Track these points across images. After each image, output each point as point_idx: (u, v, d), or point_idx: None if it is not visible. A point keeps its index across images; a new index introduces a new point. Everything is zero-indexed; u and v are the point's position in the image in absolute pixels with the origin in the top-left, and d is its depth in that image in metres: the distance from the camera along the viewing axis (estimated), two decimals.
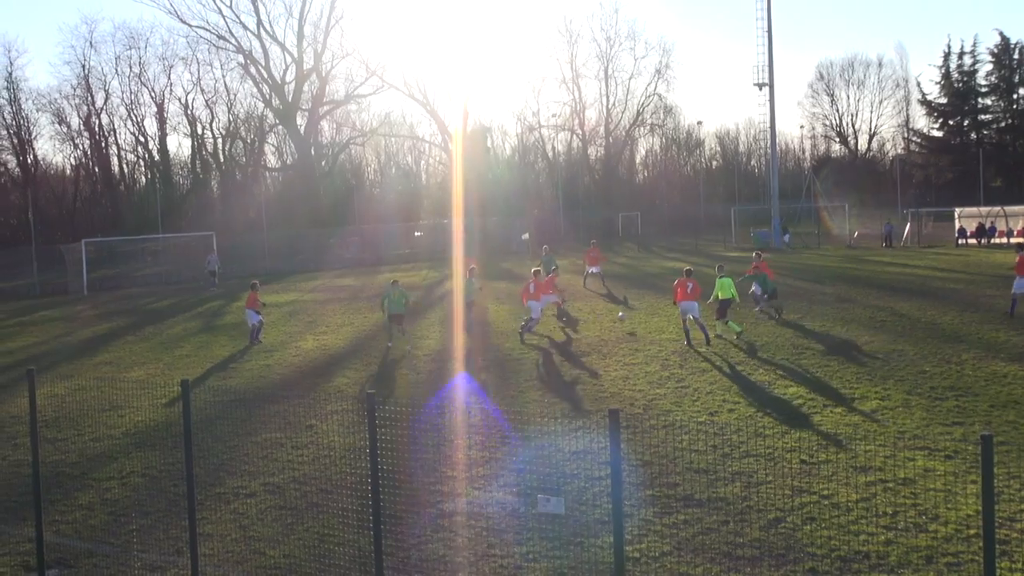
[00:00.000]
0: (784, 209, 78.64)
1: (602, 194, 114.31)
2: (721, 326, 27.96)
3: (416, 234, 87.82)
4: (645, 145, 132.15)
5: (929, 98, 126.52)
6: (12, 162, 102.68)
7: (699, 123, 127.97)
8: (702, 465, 14.92)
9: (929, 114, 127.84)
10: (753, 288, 32.58)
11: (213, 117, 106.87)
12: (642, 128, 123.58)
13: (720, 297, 28.20)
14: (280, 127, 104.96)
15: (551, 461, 15.64)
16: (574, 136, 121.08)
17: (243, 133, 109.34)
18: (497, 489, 14.38)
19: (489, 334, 31.02)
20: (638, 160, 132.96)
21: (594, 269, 43.08)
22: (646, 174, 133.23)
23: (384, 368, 25.50)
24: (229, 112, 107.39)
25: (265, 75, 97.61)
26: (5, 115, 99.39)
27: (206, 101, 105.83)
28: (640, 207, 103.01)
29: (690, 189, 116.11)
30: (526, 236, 78.40)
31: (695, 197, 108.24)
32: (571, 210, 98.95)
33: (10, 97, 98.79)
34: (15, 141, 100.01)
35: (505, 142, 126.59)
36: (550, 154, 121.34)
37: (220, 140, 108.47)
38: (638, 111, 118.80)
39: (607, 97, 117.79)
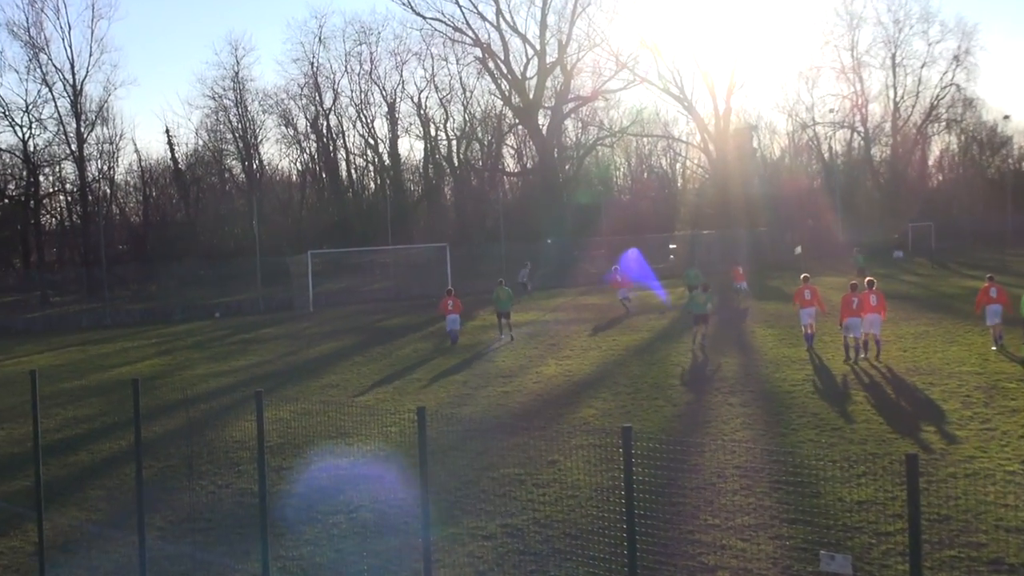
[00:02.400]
0: None
1: (888, 201, 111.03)
2: None
3: (671, 247, 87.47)
4: (940, 144, 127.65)
5: None
6: (237, 168, 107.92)
7: (1006, 118, 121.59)
8: (1015, 523, 14.18)
9: None
10: None
11: (447, 117, 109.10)
12: (936, 124, 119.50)
13: None
14: (520, 127, 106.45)
15: (830, 512, 15.20)
16: (854, 134, 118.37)
17: (479, 134, 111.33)
18: (767, 542, 14.07)
19: (755, 362, 30.53)
20: (931, 161, 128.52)
21: (741, 285, 51.57)
22: (941, 178, 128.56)
23: (636, 398, 25.44)
24: (464, 111, 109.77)
25: (504, 70, 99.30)
26: (231, 117, 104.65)
27: (440, 99, 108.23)
28: (934, 216, 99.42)
29: (995, 196, 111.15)
30: (799, 250, 76.90)
31: (1001, 204, 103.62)
32: (851, 220, 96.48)
33: (236, 98, 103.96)
34: (240, 145, 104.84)
35: (774, 142, 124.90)
36: (826, 155, 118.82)
37: (454, 142, 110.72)
38: (931, 104, 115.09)
39: (894, 89, 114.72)
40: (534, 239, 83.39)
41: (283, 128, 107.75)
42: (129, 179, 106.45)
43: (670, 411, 23.88)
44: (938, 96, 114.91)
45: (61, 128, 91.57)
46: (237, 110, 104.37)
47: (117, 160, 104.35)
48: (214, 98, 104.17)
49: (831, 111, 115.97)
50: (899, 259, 64.26)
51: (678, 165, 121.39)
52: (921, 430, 20.30)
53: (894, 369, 27.65)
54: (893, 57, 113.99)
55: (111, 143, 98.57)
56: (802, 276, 33.39)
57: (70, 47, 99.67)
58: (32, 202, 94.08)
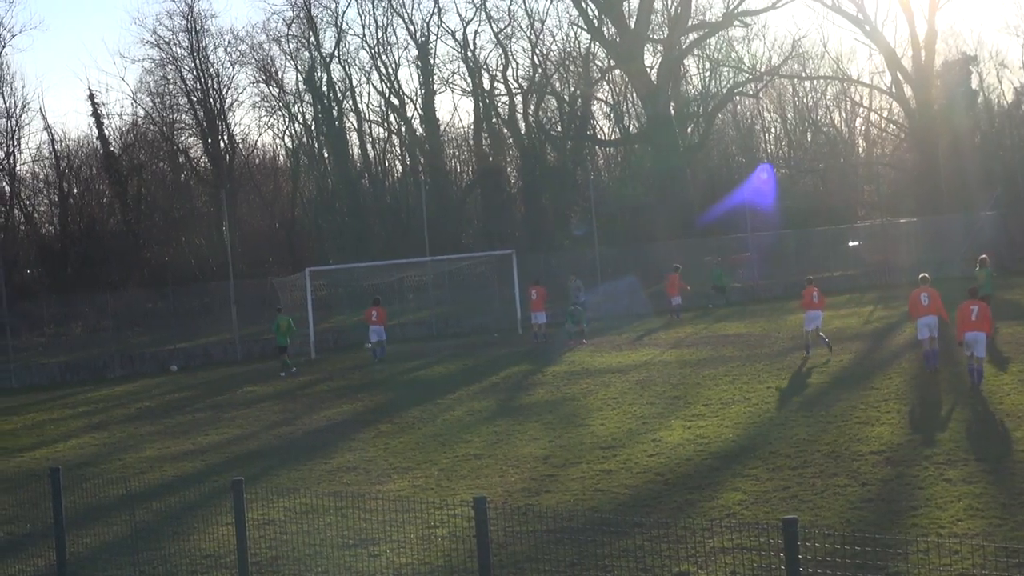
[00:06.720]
0: None
1: None
2: None
3: (851, 243, 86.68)
4: None
5: None
6: (197, 148, 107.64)
7: None
8: None
9: None
10: None
11: (508, 62, 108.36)
12: None
13: None
14: (617, 72, 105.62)
15: None
16: None
17: (556, 86, 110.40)
18: None
19: (983, 415, 30.14)
20: None
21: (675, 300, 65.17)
22: None
23: (804, 475, 25.19)
24: (533, 52, 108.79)
25: None
26: (186, 73, 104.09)
27: (496, 36, 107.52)
28: None
29: None
30: None
31: None
32: None
33: (192, 45, 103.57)
34: (200, 114, 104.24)
35: (1004, 80, 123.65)
36: None
37: (520, 98, 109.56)
38: None
39: None
40: (641, 238, 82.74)
41: (263, 87, 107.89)
42: (37, 169, 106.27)
43: (856, 493, 23.62)
44: None
45: None
46: (194, 62, 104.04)
47: (18, 142, 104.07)
48: (159, 46, 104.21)
49: None
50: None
51: (858, 121, 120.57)
52: None
53: None
54: None
55: (8, 117, 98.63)
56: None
57: None
58: None
